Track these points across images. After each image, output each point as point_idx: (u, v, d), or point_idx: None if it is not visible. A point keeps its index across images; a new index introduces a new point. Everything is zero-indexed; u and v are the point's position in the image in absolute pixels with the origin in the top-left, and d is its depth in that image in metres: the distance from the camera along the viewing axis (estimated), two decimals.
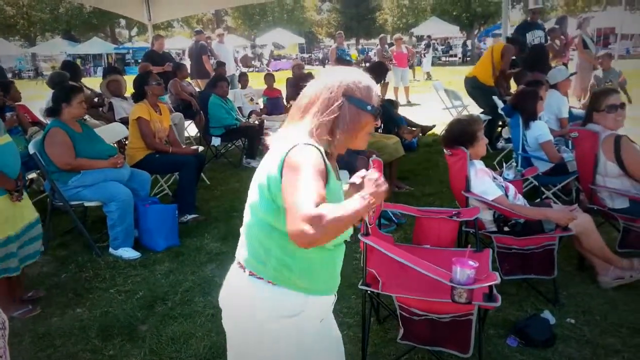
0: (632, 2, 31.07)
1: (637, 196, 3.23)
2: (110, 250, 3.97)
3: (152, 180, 4.59)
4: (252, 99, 8.36)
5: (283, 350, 1.51)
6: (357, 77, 1.52)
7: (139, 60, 16.40)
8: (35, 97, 9.95)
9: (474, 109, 7.01)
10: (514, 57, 6.97)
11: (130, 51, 34.28)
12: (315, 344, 1.55)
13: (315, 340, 1.55)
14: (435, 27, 31.63)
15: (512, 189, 3.29)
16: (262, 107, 8.39)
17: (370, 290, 2.44)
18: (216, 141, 6.71)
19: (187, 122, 7.61)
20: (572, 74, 5.82)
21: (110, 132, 5.07)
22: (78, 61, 25.33)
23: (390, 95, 10.61)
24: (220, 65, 8.87)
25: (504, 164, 3.99)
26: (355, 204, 1.30)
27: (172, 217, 4.16)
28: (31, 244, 3.17)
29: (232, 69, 10.76)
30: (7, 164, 2.90)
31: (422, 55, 21.13)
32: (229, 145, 7.26)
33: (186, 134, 7.82)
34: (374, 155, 3.76)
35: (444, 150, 3.36)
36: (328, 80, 1.51)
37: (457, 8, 34.20)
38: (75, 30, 39.35)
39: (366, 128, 1.54)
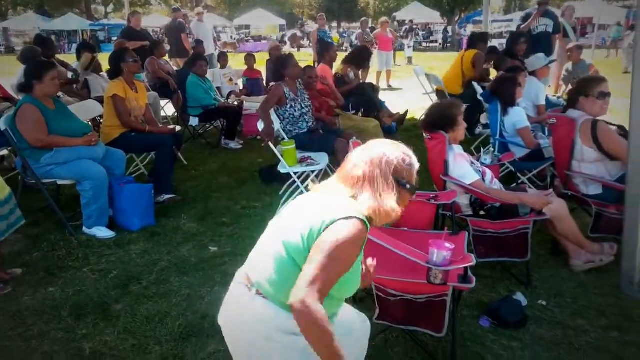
0: None
1: (610, 183, 3.30)
2: (84, 229, 3.90)
3: (127, 160, 4.51)
4: (231, 79, 8.22)
5: None
6: (402, 155, 1.65)
7: (114, 38, 16.01)
8: (7, 73, 9.64)
9: None
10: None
11: (106, 28, 33.50)
12: None
13: None
14: (417, 12, 31.59)
15: (489, 173, 3.33)
16: (241, 87, 8.29)
17: None
18: (194, 121, 6.56)
19: (164, 102, 7.47)
20: (551, 61, 5.88)
21: (84, 110, 4.92)
22: (53, 38, 24.61)
23: (372, 79, 10.58)
24: (199, 43, 8.70)
25: (482, 149, 4.03)
26: (335, 353, 1.40)
27: (147, 196, 4.10)
28: (6, 219, 3.09)
29: (211, 48, 10.59)
30: None
31: (404, 38, 21.03)
32: (207, 125, 7.16)
33: (163, 114, 7.66)
34: (354, 137, 3.76)
35: (424, 134, 3.37)
36: (374, 155, 1.63)
37: None
38: (49, 5, 38.14)
39: (403, 204, 1.65)
